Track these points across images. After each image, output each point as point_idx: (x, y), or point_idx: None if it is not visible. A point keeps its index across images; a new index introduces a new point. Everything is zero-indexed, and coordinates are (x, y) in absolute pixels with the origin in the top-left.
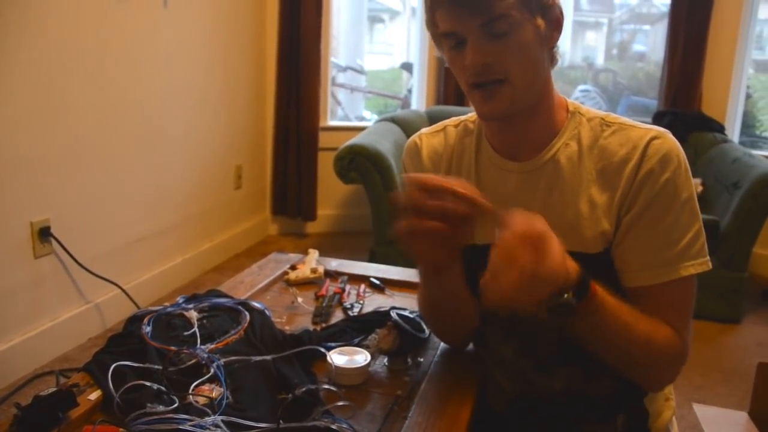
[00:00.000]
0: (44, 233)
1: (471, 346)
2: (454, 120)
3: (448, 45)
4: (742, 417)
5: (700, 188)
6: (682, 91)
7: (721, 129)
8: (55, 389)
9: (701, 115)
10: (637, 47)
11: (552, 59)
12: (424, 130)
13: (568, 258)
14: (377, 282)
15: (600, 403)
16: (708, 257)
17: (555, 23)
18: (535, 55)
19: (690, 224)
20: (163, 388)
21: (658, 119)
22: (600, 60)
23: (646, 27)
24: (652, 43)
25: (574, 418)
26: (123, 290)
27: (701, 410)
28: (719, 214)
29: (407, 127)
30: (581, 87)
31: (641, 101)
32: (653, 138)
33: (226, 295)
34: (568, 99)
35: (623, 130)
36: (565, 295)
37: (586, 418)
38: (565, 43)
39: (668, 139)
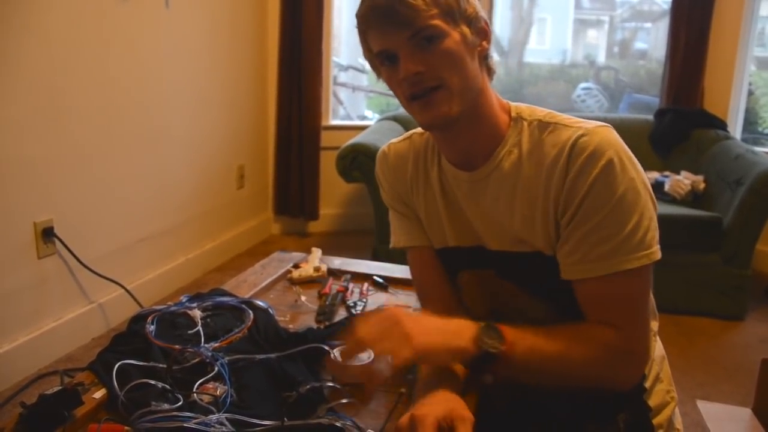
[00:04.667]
0: (47, 233)
1: None
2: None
3: (383, 64)
4: (745, 413)
5: (702, 185)
6: (684, 89)
7: (723, 126)
8: (60, 388)
9: (703, 112)
10: (639, 45)
11: (488, 70)
12: (392, 140)
13: (461, 323)
14: (380, 280)
15: (599, 404)
16: (653, 248)
17: (481, 33)
18: (465, 61)
19: (627, 218)
20: (167, 387)
21: (660, 116)
22: (601, 58)
23: (648, 25)
24: (653, 41)
25: (575, 418)
26: (126, 290)
27: (705, 407)
28: (722, 211)
29: (409, 125)
30: (583, 85)
31: (643, 99)
32: (580, 136)
33: (229, 294)
34: (513, 104)
35: (557, 130)
36: (482, 324)
37: (587, 418)
38: (566, 41)
39: (596, 135)
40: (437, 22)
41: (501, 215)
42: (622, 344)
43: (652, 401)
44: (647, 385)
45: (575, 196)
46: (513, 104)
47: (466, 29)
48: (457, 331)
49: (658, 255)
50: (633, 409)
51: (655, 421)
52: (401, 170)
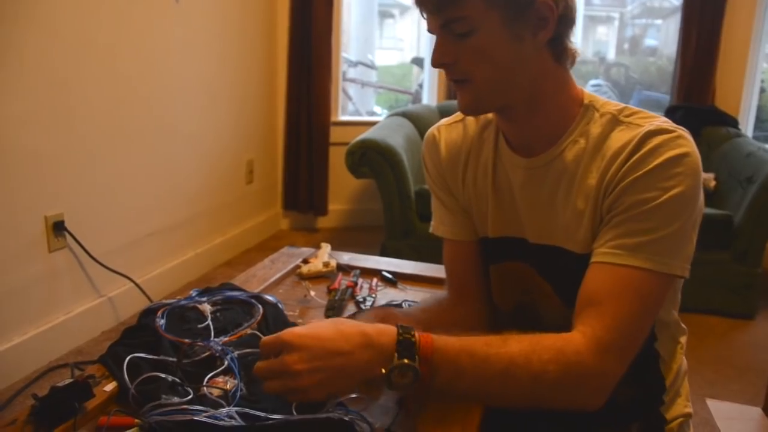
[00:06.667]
0: (58, 227)
1: None
2: None
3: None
4: (755, 413)
5: (713, 183)
6: (695, 86)
7: (734, 123)
8: (71, 381)
9: (714, 109)
10: (649, 42)
11: (559, 55)
12: (443, 121)
13: (376, 329)
14: (389, 276)
15: (612, 410)
16: (677, 262)
17: (540, 21)
18: (502, 56)
19: (670, 220)
20: (177, 380)
21: (670, 114)
22: (611, 54)
23: (658, 21)
24: (663, 38)
25: (587, 422)
26: (136, 284)
27: (714, 405)
28: (733, 209)
29: (418, 121)
30: (593, 81)
31: (653, 96)
32: (650, 132)
33: (239, 289)
34: (587, 92)
35: (631, 126)
36: (395, 362)
37: (600, 423)
38: (575, 37)
39: (670, 133)
40: (471, 12)
41: (555, 207)
42: (591, 352)
43: (669, 414)
44: (666, 398)
45: (626, 178)
46: (587, 92)
47: (513, 21)
48: (368, 365)
49: (680, 271)
50: (648, 420)
51: (667, 428)
52: (453, 158)
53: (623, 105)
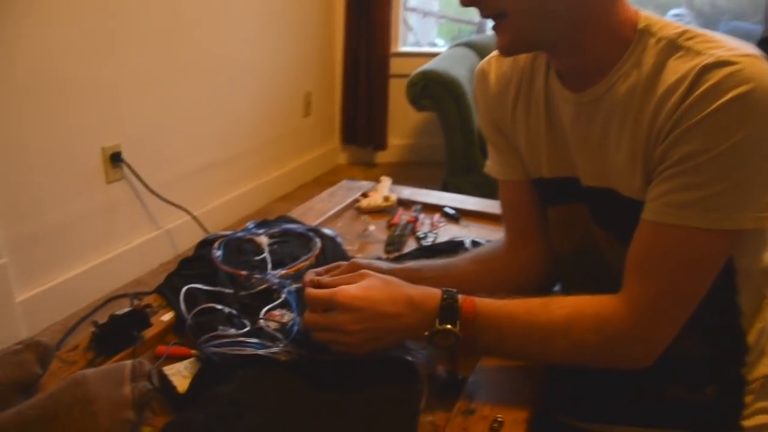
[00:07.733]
0: (115, 158)
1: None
2: None
3: None
4: None
5: None
6: None
7: None
8: (129, 309)
9: None
10: None
11: None
12: (494, 53)
13: (422, 294)
14: (452, 212)
15: (684, 367)
16: (747, 216)
17: None
18: None
19: (732, 171)
20: (234, 312)
21: (762, 46)
22: None
23: None
24: None
25: (655, 382)
26: (193, 216)
27: None
28: None
29: (483, 52)
30: (673, 11)
31: (742, 26)
32: (710, 65)
33: (296, 222)
34: (643, 13)
35: (690, 54)
36: (436, 327)
37: (669, 382)
38: None
39: (734, 65)
40: None
41: (608, 147)
42: (632, 320)
43: (751, 375)
44: (748, 359)
45: (678, 126)
46: (643, 14)
47: None
48: (413, 327)
49: (751, 223)
50: (726, 383)
51: (747, 389)
52: (502, 91)
53: (685, 27)
